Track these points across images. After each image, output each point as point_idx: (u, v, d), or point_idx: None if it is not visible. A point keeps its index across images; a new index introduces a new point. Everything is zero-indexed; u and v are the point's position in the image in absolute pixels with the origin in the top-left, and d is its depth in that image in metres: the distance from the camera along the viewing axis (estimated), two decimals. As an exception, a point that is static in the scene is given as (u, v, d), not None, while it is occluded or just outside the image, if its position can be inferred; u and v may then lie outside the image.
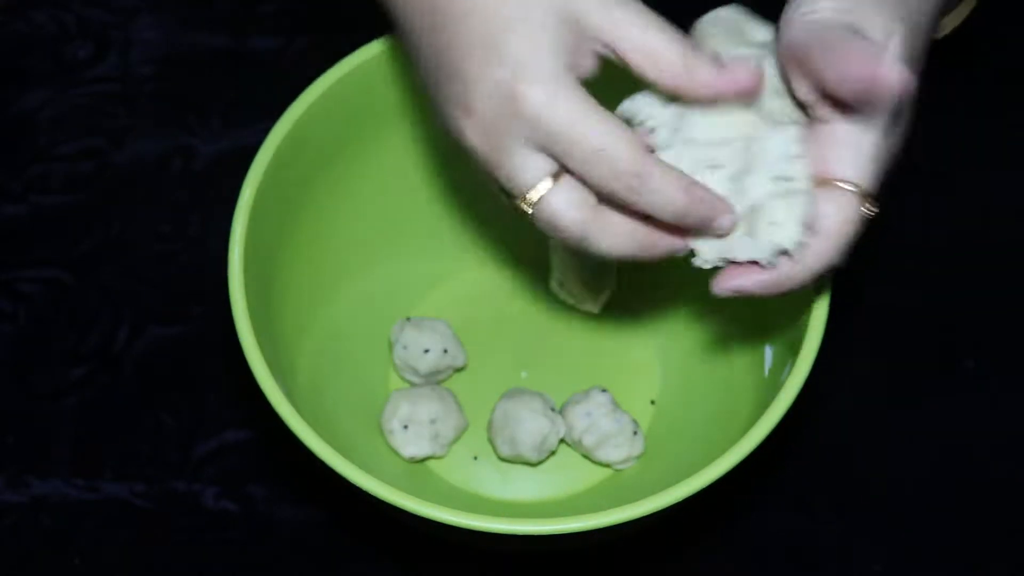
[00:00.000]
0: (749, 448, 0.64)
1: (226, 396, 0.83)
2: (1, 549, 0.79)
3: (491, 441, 0.79)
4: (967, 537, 0.80)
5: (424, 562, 0.80)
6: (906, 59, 0.58)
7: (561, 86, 0.57)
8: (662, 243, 0.60)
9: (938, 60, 0.67)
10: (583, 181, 0.58)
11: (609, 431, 0.77)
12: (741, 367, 0.76)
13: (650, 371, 0.82)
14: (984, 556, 0.80)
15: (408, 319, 0.80)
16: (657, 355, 0.82)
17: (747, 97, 0.59)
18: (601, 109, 0.57)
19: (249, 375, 0.66)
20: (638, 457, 0.78)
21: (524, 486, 0.79)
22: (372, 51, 0.73)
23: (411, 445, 0.78)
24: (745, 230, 0.60)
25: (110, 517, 0.80)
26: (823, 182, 0.59)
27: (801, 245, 0.59)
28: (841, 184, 0.59)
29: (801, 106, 0.60)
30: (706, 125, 0.60)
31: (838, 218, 0.59)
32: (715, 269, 0.61)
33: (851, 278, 0.76)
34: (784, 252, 0.59)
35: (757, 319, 0.75)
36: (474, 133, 0.58)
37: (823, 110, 0.59)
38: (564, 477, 0.79)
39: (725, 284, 0.61)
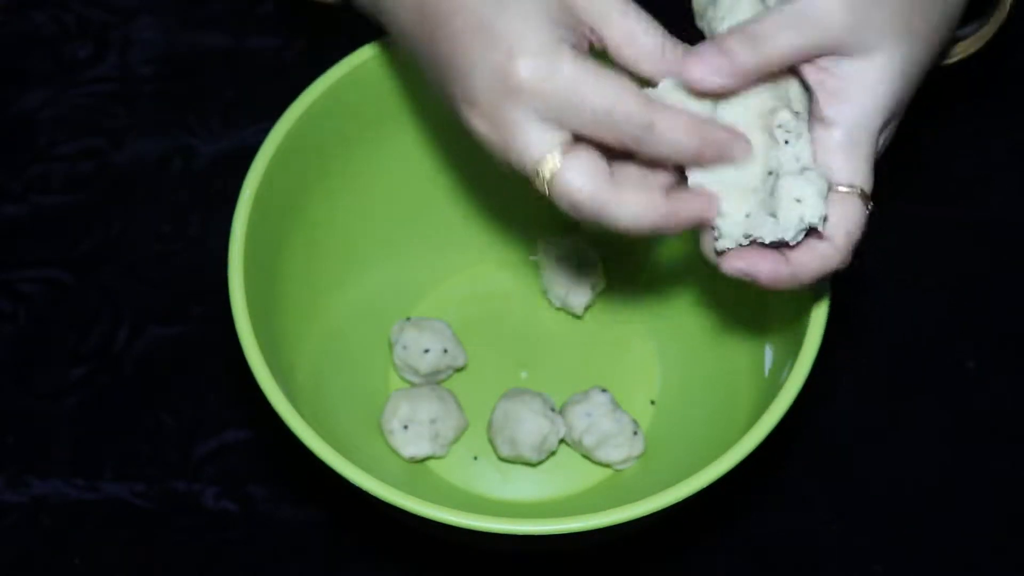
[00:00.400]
0: (749, 448, 0.64)
1: (226, 396, 0.83)
2: (1, 549, 0.79)
3: (491, 441, 0.79)
4: (967, 537, 0.80)
5: (424, 562, 0.80)
6: (904, 73, 0.59)
7: (556, 55, 0.57)
8: (684, 210, 0.59)
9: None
10: (596, 144, 0.58)
11: (609, 431, 0.77)
12: (741, 367, 0.76)
13: (650, 371, 0.82)
14: (984, 556, 0.80)
15: (408, 319, 0.81)
16: (657, 355, 0.82)
17: (722, 88, 0.59)
18: (600, 69, 0.57)
19: (249, 375, 0.66)
20: (638, 457, 0.78)
21: (524, 486, 0.79)
22: (372, 51, 0.73)
23: (411, 445, 0.78)
24: (768, 211, 0.60)
25: (110, 517, 0.80)
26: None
27: (825, 220, 0.59)
28: (843, 189, 0.60)
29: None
30: (723, 111, 0.60)
31: (843, 221, 0.60)
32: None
33: (851, 278, 0.76)
34: (810, 230, 0.59)
35: (757, 319, 0.75)
36: (481, 123, 0.59)
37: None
38: (564, 477, 0.79)
39: (735, 263, 0.60)
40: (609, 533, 0.64)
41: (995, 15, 0.68)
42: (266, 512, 0.80)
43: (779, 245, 0.60)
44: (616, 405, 0.78)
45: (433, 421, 0.78)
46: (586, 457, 0.79)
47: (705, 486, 0.64)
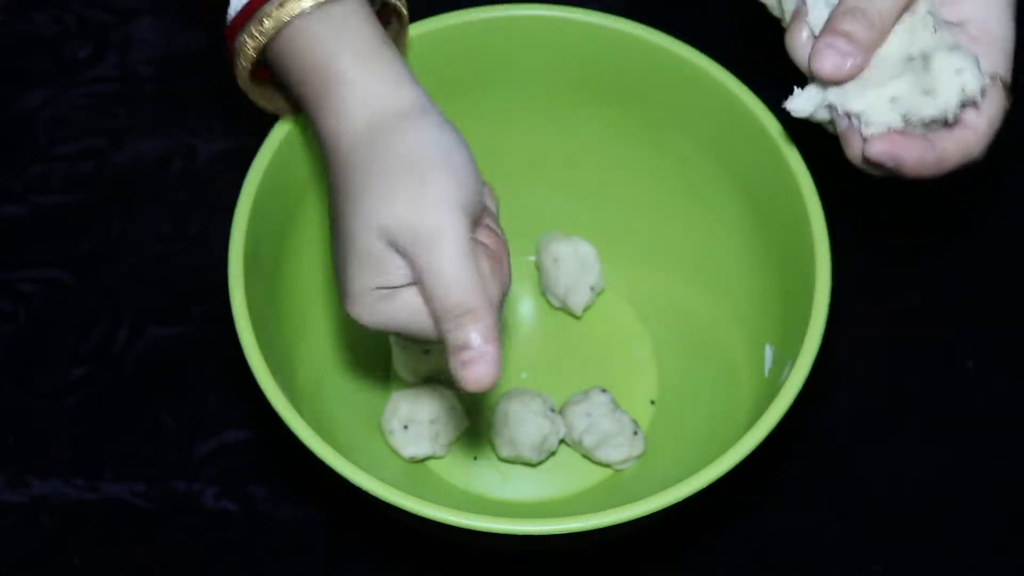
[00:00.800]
0: (749, 448, 0.64)
1: (226, 396, 0.83)
2: (1, 549, 0.79)
3: (491, 441, 0.79)
4: (967, 537, 0.80)
5: (424, 562, 0.80)
6: None
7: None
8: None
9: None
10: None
11: (609, 431, 0.77)
12: (741, 367, 0.76)
13: (650, 371, 0.82)
14: (984, 556, 0.80)
15: (408, 319, 0.80)
16: (656, 355, 0.82)
17: (858, 68, 0.60)
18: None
19: (249, 375, 0.66)
20: (638, 457, 0.78)
21: (524, 486, 0.79)
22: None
23: (411, 445, 0.78)
24: (922, 91, 0.60)
25: (110, 517, 0.80)
26: None
27: (984, 93, 0.60)
28: (990, 78, 0.61)
29: None
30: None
31: (986, 109, 0.61)
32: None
33: (851, 278, 0.76)
34: (969, 103, 0.60)
35: (757, 319, 0.75)
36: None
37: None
38: (564, 477, 0.79)
39: (881, 147, 0.60)
40: (609, 533, 0.64)
41: None
42: (266, 512, 0.80)
43: (933, 125, 0.60)
44: (616, 405, 0.78)
45: (433, 421, 0.78)
46: (586, 457, 0.79)
47: (705, 486, 0.64)
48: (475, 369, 0.59)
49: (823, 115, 0.62)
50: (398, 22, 0.67)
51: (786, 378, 0.66)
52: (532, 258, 0.83)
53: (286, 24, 0.61)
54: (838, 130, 0.62)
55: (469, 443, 0.80)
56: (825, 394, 0.82)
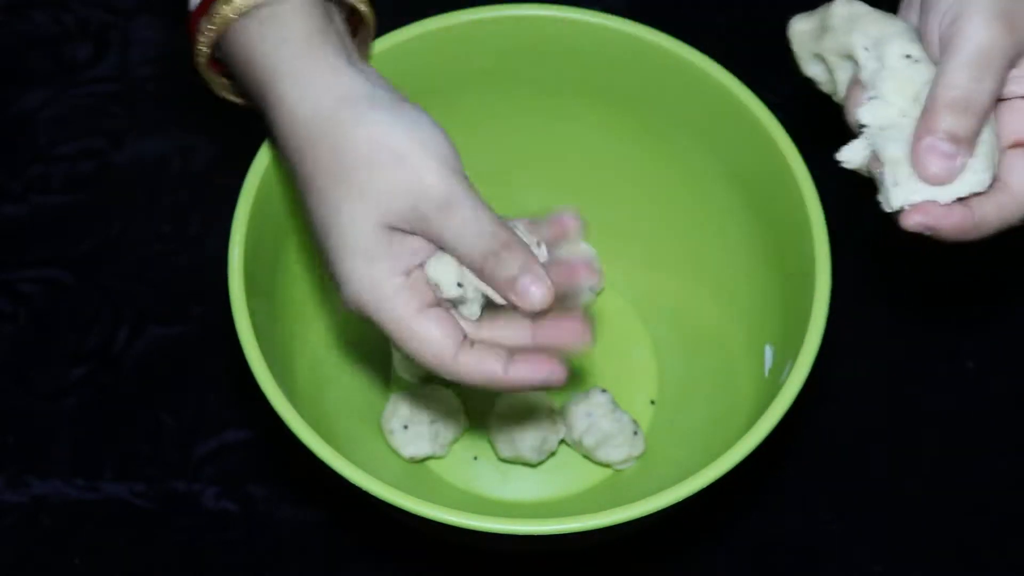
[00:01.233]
0: (749, 448, 0.64)
1: (226, 396, 0.83)
2: (1, 549, 0.79)
3: (491, 441, 0.79)
4: (967, 537, 0.80)
5: (424, 562, 0.80)
6: None
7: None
8: (520, 379, 0.62)
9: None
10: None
11: (609, 431, 0.77)
12: (741, 367, 0.76)
13: (650, 371, 0.82)
14: (984, 556, 0.80)
15: (408, 319, 0.80)
16: (656, 355, 0.82)
17: (962, 162, 0.60)
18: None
19: (249, 375, 0.65)
20: (638, 457, 0.78)
21: (524, 486, 0.79)
22: (371, 51, 0.73)
23: (411, 445, 0.78)
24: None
25: (110, 517, 0.80)
26: (1016, 144, 0.61)
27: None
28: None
29: None
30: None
31: (1020, 171, 0.61)
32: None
33: (851, 278, 0.76)
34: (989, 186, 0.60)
35: (757, 319, 0.75)
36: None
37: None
38: (564, 477, 0.79)
39: (916, 219, 0.60)
40: (609, 533, 0.64)
41: None
42: (266, 512, 0.80)
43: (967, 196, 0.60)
44: (616, 405, 0.78)
45: (433, 421, 0.78)
46: (586, 457, 0.79)
47: (705, 486, 0.64)
48: (535, 291, 0.60)
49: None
50: (363, 25, 0.67)
51: (786, 378, 0.66)
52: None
53: (232, 22, 0.62)
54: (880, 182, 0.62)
55: (469, 443, 0.80)
56: (825, 394, 0.82)
